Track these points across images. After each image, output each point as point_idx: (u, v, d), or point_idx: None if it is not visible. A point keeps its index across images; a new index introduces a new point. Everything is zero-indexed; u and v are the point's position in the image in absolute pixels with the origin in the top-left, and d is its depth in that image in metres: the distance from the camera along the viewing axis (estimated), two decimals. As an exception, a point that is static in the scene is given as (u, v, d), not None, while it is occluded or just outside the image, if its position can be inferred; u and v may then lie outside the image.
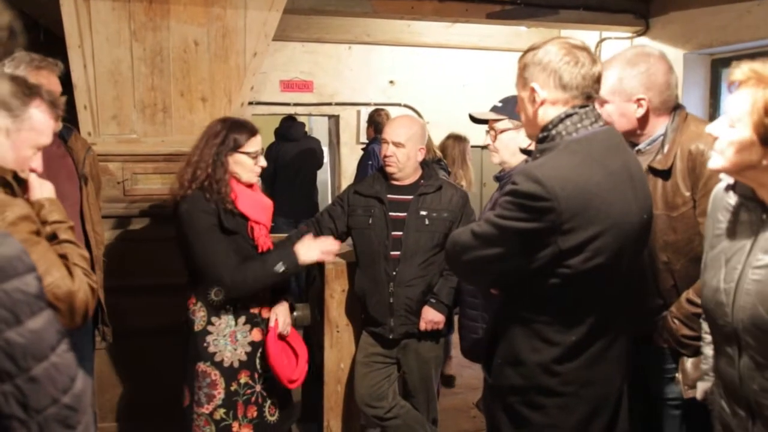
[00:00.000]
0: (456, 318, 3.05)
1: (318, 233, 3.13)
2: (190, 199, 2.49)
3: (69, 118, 2.86)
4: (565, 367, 1.72)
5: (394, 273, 2.96)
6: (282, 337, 2.71)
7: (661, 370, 2.11)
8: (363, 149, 6.05)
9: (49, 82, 2.55)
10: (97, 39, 3.26)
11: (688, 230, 2.01)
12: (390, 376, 3.13)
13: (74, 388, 1.11)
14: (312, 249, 2.63)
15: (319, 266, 3.31)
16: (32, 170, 1.74)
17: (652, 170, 2.06)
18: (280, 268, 2.53)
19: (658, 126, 2.11)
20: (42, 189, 1.81)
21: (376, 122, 5.97)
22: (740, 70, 1.49)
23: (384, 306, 2.98)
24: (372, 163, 5.57)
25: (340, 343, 3.30)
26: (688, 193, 2.01)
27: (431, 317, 2.95)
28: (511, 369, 1.78)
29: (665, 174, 2.05)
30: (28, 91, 1.62)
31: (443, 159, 5.01)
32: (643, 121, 2.10)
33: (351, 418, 3.38)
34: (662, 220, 2.04)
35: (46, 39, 4.03)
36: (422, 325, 2.97)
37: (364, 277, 3.04)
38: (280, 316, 2.69)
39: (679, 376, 2.03)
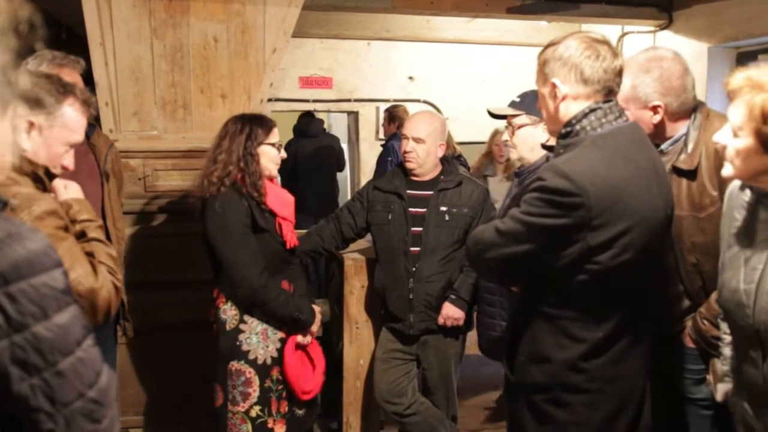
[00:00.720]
0: (474, 315, 3.04)
1: (337, 229, 3.14)
2: (224, 196, 2.49)
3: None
4: (591, 364, 1.70)
5: (414, 269, 2.95)
6: (302, 347, 2.71)
7: (690, 371, 2.08)
8: (382, 146, 6.05)
9: (72, 79, 2.57)
10: (118, 36, 3.28)
11: (716, 231, 1.97)
12: (409, 373, 3.12)
13: (99, 383, 1.12)
14: (318, 324, 2.76)
15: (338, 262, 3.31)
16: (64, 167, 1.75)
17: (677, 170, 2.02)
18: (298, 315, 2.60)
19: (678, 128, 2.07)
20: (68, 190, 1.84)
21: (394, 118, 5.97)
22: (734, 79, 1.51)
23: (404, 302, 2.97)
24: (391, 159, 5.57)
25: (360, 339, 3.30)
26: (715, 193, 1.97)
27: (451, 313, 2.94)
28: (535, 366, 1.76)
29: (691, 174, 2.01)
30: (62, 89, 1.65)
31: (462, 155, 5.00)
32: (661, 126, 2.07)
33: (370, 413, 3.38)
34: (689, 221, 2.00)
35: (68, 37, 4.08)
36: (441, 321, 2.96)
37: (384, 273, 3.04)
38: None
39: (710, 377, 2.00)
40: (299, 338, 2.67)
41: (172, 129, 3.44)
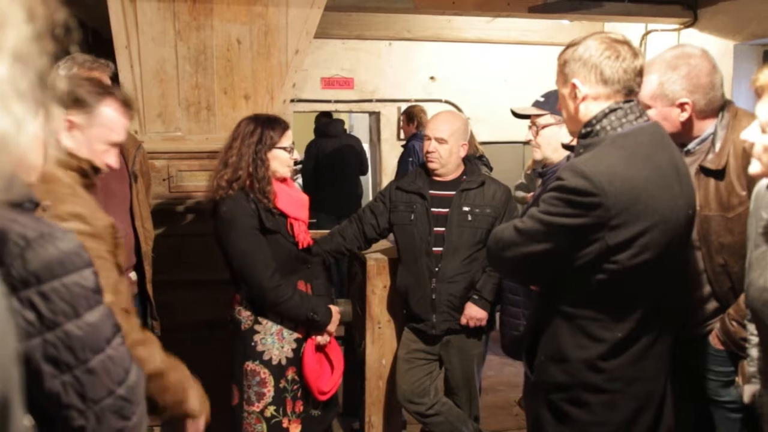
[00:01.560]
0: (497, 314, 3.03)
1: (360, 229, 3.14)
2: (231, 200, 2.50)
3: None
4: (610, 364, 1.70)
5: (437, 269, 2.95)
6: (321, 348, 2.72)
7: (718, 373, 2.06)
8: (403, 146, 6.04)
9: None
10: (143, 39, 3.32)
11: (745, 231, 1.95)
12: (432, 373, 3.12)
13: (129, 380, 1.14)
14: (335, 323, 2.73)
15: (361, 262, 3.32)
16: (108, 166, 1.82)
17: (704, 170, 2.00)
18: (312, 316, 2.59)
19: (705, 127, 2.04)
20: None
21: (412, 117, 5.97)
22: (763, 76, 1.49)
23: (426, 302, 2.97)
24: (412, 160, 5.56)
25: (382, 339, 3.30)
26: (744, 193, 1.94)
27: (474, 313, 2.93)
28: (554, 366, 1.76)
29: (719, 174, 1.98)
30: (101, 91, 1.72)
31: (485, 155, 4.98)
32: (688, 124, 2.04)
33: (392, 413, 3.39)
34: (717, 221, 1.98)
35: (95, 40, 4.13)
36: (464, 321, 2.96)
37: (407, 273, 3.04)
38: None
39: (739, 379, 1.98)
40: (318, 339, 2.67)
41: (196, 130, 3.47)
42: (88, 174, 1.74)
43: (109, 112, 1.75)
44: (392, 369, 3.28)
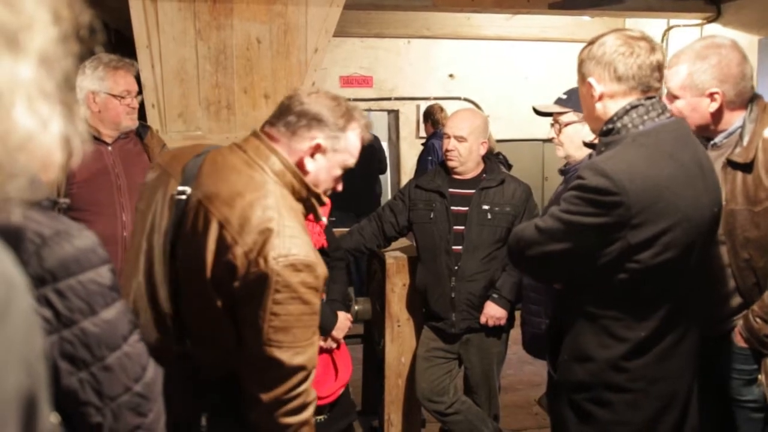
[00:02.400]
0: (517, 313, 3.01)
1: (379, 227, 3.15)
2: None
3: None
4: (633, 364, 1.68)
5: (456, 267, 2.94)
6: (327, 352, 2.68)
7: (740, 371, 2.03)
8: (423, 144, 6.03)
9: (126, 81, 2.64)
10: (164, 39, 3.35)
11: None
12: (451, 371, 3.12)
13: (145, 377, 1.14)
14: (342, 330, 2.70)
15: (380, 261, 3.32)
16: (335, 190, 1.73)
17: (732, 164, 1.98)
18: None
19: (734, 119, 2.01)
20: None
21: (428, 116, 5.95)
22: None
23: (446, 300, 2.97)
24: (432, 159, 5.55)
25: (401, 337, 3.30)
26: None
27: (493, 312, 2.93)
28: (577, 365, 1.75)
29: (746, 167, 1.96)
30: (347, 113, 1.64)
31: (501, 153, 4.96)
32: (717, 115, 2.01)
33: (411, 412, 3.38)
34: (743, 215, 1.95)
35: (116, 40, 4.17)
36: (483, 320, 2.95)
37: (426, 271, 3.04)
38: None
39: (762, 377, 1.95)
40: (322, 344, 2.62)
41: (216, 129, 3.49)
42: (314, 208, 1.65)
43: (353, 136, 1.65)
44: (411, 367, 3.28)
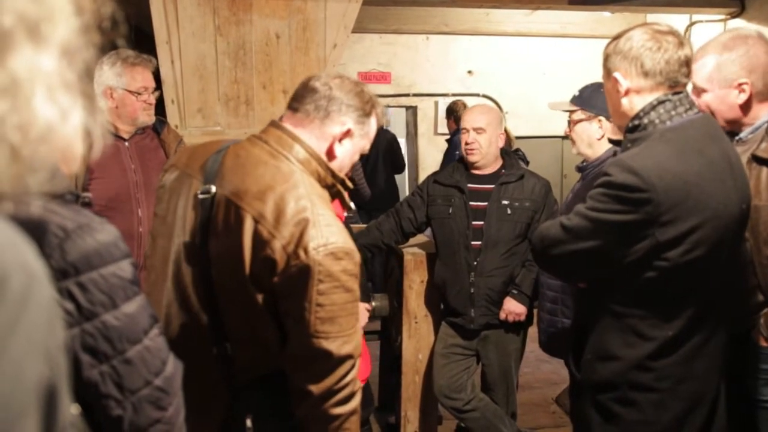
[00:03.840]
0: (535, 310, 3.00)
1: (397, 223, 3.14)
2: None
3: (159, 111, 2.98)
4: (660, 363, 1.66)
5: (475, 263, 2.93)
6: None
7: (759, 371, 2.00)
8: (447, 140, 6.00)
9: (143, 78, 2.65)
10: (183, 35, 3.37)
11: None
12: (469, 368, 3.11)
13: (165, 371, 1.15)
14: (361, 320, 2.67)
15: (398, 257, 3.32)
16: (348, 177, 1.72)
17: (757, 159, 1.95)
18: None
19: (762, 112, 1.98)
20: None
21: (450, 113, 5.92)
22: None
23: (465, 296, 2.96)
24: (459, 153, 5.54)
25: (419, 334, 3.30)
26: None
27: (513, 308, 2.91)
28: (602, 364, 1.73)
29: None
30: (371, 99, 1.65)
31: (521, 149, 4.94)
32: (746, 107, 1.98)
33: (428, 408, 3.38)
34: (767, 211, 1.92)
35: (136, 36, 4.20)
36: (503, 316, 2.94)
37: (445, 267, 3.03)
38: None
39: None
40: None
41: (235, 124, 3.51)
42: (342, 195, 1.64)
43: (375, 122, 1.66)
44: (428, 364, 3.27)
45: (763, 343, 1.97)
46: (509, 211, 2.91)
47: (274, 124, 1.59)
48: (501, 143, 3.03)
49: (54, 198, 1.03)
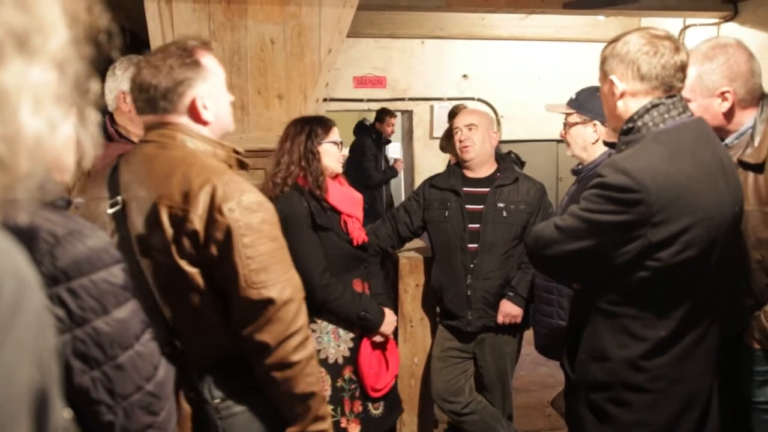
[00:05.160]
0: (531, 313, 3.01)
1: (393, 228, 3.15)
2: (284, 198, 2.51)
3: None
4: (653, 363, 1.67)
5: (472, 266, 2.94)
6: (379, 346, 2.70)
7: (752, 372, 2.01)
8: None
9: None
10: (178, 40, 3.37)
11: None
12: (467, 371, 3.11)
13: (157, 376, 1.15)
14: (390, 325, 2.69)
15: (393, 261, 3.32)
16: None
17: (743, 164, 1.96)
18: (364, 315, 2.57)
19: (746, 118, 2.00)
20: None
21: (452, 116, 5.93)
22: None
23: (461, 299, 2.97)
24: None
25: (414, 338, 3.30)
26: None
27: (509, 310, 2.92)
28: (595, 365, 1.74)
29: (758, 168, 1.95)
30: (184, 52, 1.66)
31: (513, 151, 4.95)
32: (729, 114, 2.00)
33: (424, 412, 3.38)
34: (755, 216, 1.94)
35: (132, 42, 4.21)
36: (500, 319, 2.94)
37: (441, 270, 3.04)
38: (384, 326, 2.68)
39: None
40: (375, 337, 2.66)
41: (230, 129, 3.51)
42: (238, 162, 1.73)
43: (205, 61, 1.69)
44: (424, 367, 3.28)
45: (755, 345, 1.99)
46: (505, 214, 2.92)
47: (149, 128, 1.64)
48: (495, 142, 3.05)
49: (45, 204, 1.04)
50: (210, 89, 1.64)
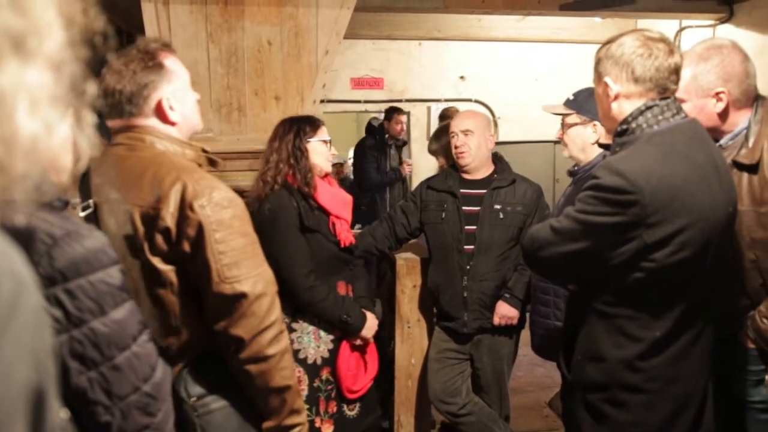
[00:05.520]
0: (527, 314, 3.01)
1: (391, 229, 3.15)
2: (274, 197, 2.53)
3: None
4: (648, 364, 1.68)
5: (468, 267, 2.94)
6: (359, 348, 2.70)
7: (747, 372, 2.02)
8: None
9: None
10: (176, 42, 3.37)
11: None
12: (463, 372, 3.12)
13: (154, 377, 1.15)
14: (371, 329, 2.70)
15: (390, 262, 3.33)
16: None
17: (737, 165, 1.98)
18: (346, 319, 2.58)
19: (740, 119, 2.01)
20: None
21: (449, 119, 5.92)
22: None
23: (458, 300, 2.97)
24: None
25: (411, 339, 3.31)
26: None
27: (505, 312, 2.93)
28: (592, 365, 1.75)
29: (752, 168, 1.96)
30: (146, 55, 1.68)
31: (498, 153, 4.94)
32: (724, 115, 2.01)
33: (421, 412, 3.39)
34: (749, 216, 1.95)
35: (129, 43, 4.21)
36: (496, 320, 2.95)
37: (438, 271, 3.04)
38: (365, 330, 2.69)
39: None
40: (355, 340, 2.67)
41: (227, 131, 3.51)
42: (208, 160, 1.78)
43: (169, 62, 1.72)
44: (421, 368, 3.28)
45: (750, 345, 2.00)
46: (501, 216, 2.93)
47: (117, 132, 1.65)
48: (491, 144, 3.05)
49: (42, 205, 1.04)
50: (175, 90, 1.65)
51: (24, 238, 0.97)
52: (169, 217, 1.48)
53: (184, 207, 1.49)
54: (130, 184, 1.53)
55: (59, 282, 1.01)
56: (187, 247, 1.50)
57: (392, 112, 6.45)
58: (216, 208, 1.50)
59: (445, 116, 5.95)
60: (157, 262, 1.50)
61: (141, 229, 1.50)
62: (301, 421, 1.65)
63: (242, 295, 1.51)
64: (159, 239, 1.50)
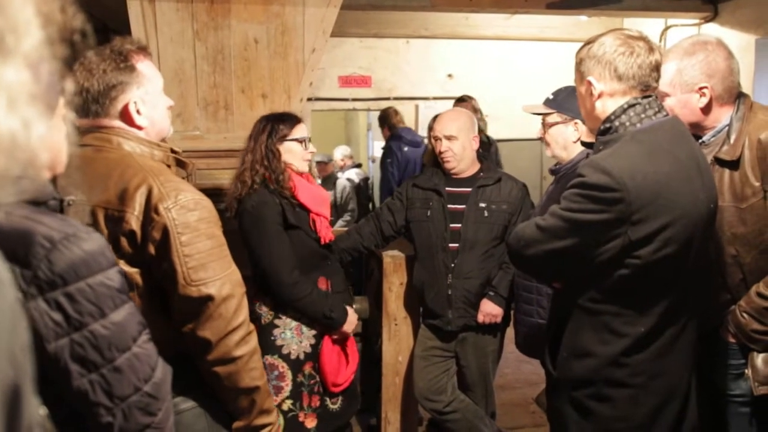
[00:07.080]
0: (512, 311, 3.03)
1: (377, 227, 3.16)
2: (257, 195, 2.54)
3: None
4: (633, 359, 1.70)
5: (453, 265, 2.95)
6: (339, 342, 2.73)
7: (728, 366, 2.05)
8: (383, 148, 5.92)
9: None
10: (162, 40, 3.36)
11: (758, 222, 1.95)
12: (449, 370, 3.13)
13: (154, 377, 1.16)
14: (352, 324, 2.73)
15: (377, 260, 3.33)
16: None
17: (719, 161, 2.00)
18: (330, 313, 2.60)
19: (723, 116, 2.04)
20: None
21: (389, 121, 5.89)
22: None
23: (442, 298, 2.98)
24: (391, 161, 5.54)
25: (398, 336, 3.32)
26: (758, 184, 1.94)
27: (489, 310, 2.94)
28: (577, 361, 1.76)
29: (733, 165, 1.98)
30: (117, 57, 1.66)
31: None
32: (707, 110, 2.04)
33: (408, 410, 3.39)
34: (730, 212, 1.98)
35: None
36: (480, 318, 2.96)
37: (423, 269, 3.05)
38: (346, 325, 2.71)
39: (748, 372, 1.97)
40: (336, 334, 2.69)
41: (214, 129, 3.50)
42: (176, 161, 1.78)
43: (143, 66, 1.70)
44: (409, 366, 3.29)
45: (731, 340, 2.02)
46: (486, 214, 2.93)
47: (84, 132, 1.63)
48: (475, 146, 3.04)
49: (38, 206, 1.03)
50: (144, 94, 1.64)
51: (23, 242, 0.97)
52: (134, 219, 1.48)
53: (149, 210, 1.48)
54: (96, 186, 1.52)
55: (59, 286, 1.01)
56: (152, 250, 1.49)
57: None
58: (182, 210, 1.50)
59: (384, 118, 5.91)
60: (122, 264, 1.49)
61: (105, 231, 1.49)
62: (271, 421, 1.65)
63: (209, 298, 1.51)
64: (123, 242, 1.49)
